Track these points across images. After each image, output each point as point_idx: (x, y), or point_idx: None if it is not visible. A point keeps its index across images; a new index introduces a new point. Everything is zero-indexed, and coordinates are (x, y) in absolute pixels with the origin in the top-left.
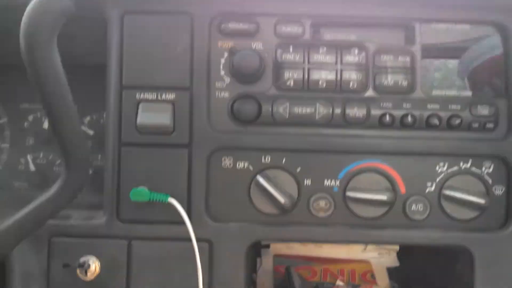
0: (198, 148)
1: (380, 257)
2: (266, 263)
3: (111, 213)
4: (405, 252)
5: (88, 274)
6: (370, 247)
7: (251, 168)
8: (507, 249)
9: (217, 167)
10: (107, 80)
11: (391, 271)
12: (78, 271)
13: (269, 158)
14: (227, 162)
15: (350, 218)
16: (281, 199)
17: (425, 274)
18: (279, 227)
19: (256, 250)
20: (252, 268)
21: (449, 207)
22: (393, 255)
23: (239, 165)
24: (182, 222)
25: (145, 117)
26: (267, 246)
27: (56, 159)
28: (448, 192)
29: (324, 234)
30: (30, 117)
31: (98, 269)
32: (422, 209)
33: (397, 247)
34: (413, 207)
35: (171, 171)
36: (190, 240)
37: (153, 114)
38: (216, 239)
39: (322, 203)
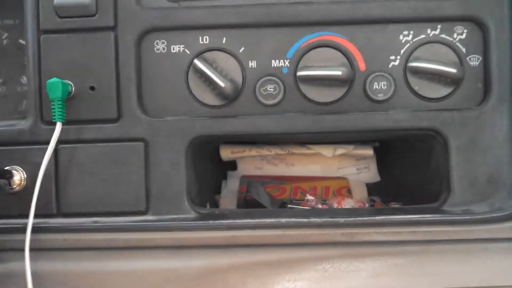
0: (125, 30)
1: (358, 173)
2: (232, 185)
3: (35, 116)
4: (382, 155)
5: (14, 185)
6: (345, 162)
7: (187, 51)
8: (484, 129)
9: (149, 53)
10: None
11: (372, 187)
12: (1, 182)
13: (207, 39)
14: (160, 46)
15: (303, 104)
16: (221, 83)
17: (403, 181)
18: (222, 119)
19: (222, 172)
20: (216, 190)
21: (417, 84)
22: (373, 170)
23: (174, 48)
24: (113, 120)
25: None
26: (234, 168)
27: None
28: (415, 64)
29: (273, 124)
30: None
31: (24, 179)
32: (385, 87)
33: (370, 152)
34: (375, 85)
35: (97, 60)
36: (122, 140)
37: None
38: (151, 137)
39: (270, 88)
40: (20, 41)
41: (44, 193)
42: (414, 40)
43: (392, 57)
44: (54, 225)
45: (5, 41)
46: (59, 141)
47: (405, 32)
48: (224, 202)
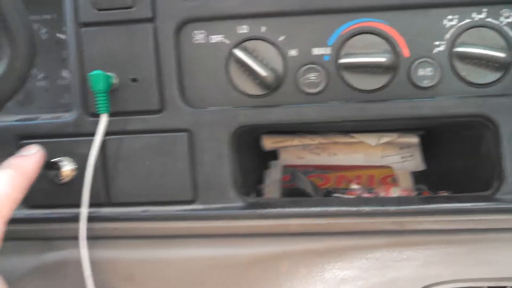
0: (163, 21)
1: (403, 161)
2: (274, 174)
3: (79, 108)
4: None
5: (62, 176)
6: (390, 150)
7: (227, 41)
8: None
9: (188, 43)
10: None
11: (417, 176)
12: (52, 174)
13: (247, 28)
14: (199, 36)
15: (346, 91)
16: (263, 72)
17: (451, 170)
18: (265, 109)
19: (264, 163)
20: (259, 180)
21: (463, 69)
22: (418, 159)
23: (213, 39)
24: (156, 111)
25: None
26: (276, 158)
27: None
28: (461, 49)
29: (316, 112)
30: None
31: (72, 171)
32: (431, 73)
33: (415, 140)
34: (420, 71)
35: (137, 52)
36: (166, 131)
37: None
38: (195, 127)
39: (312, 76)
40: (58, 35)
41: (94, 183)
42: (459, 24)
43: (437, 43)
44: (105, 214)
45: (44, 36)
46: (106, 133)
47: (449, 17)
48: (267, 192)
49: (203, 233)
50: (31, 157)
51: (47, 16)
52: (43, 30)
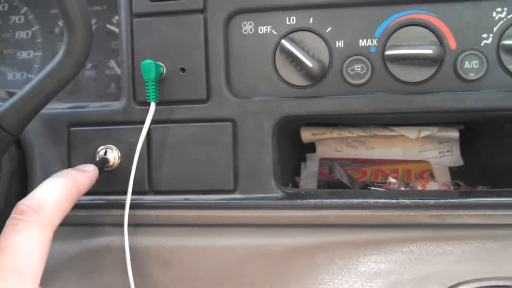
0: (213, 12)
1: (441, 156)
2: (312, 167)
3: (128, 96)
4: (465, 138)
5: (109, 163)
6: (427, 145)
7: (274, 32)
8: None
9: (237, 34)
10: None
11: (454, 171)
12: (98, 160)
13: (295, 19)
14: (247, 27)
15: (391, 83)
16: (309, 63)
17: (491, 165)
18: (309, 100)
19: (301, 155)
20: (296, 172)
21: (510, 62)
22: (456, 154)
23: (261, 30)
24: (203, 101)
25: None
26: (313, 151)
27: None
28: (508, 42)
29: (361, 104)
30: (60, 23)
31: (118, 158)
32: (477, 66)
33: (455, 134)
34: (466, 64)
35: (187, 42)
36: (211, 120)
37: None
38: (239, 117)
39: (357, 67)
40: (108, 26)
41: (138, 171)
42: (508, 17)
43: (485, 35)
44: (148, 201)
45: (93, 27)
46: (152, 121)
47: (499, 9)
48: (304, 184)
49: (242, 222)
50: (86, 173)
51: (97, 8)
52: (93, 21)
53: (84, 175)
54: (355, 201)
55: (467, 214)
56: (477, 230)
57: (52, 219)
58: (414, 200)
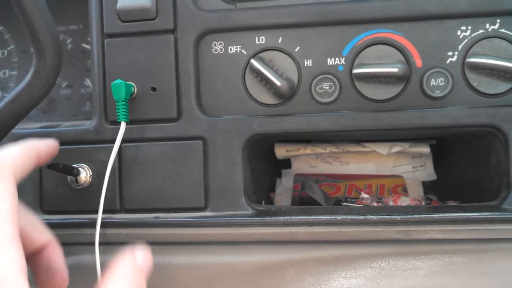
0: (184, 32)
1: (414, 171)
2: (286, 183)
3: (99, 116)
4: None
5: (80, 182)
6: (401, 160)
7: (244, 51)
8: None
9: (208, 53)
10: None
11: (428, 186)
12: (69, 179)
13: (264, 39)
14: (218, 47)
15: (359, 101)
16: (278, 82)
17: (461, 179)
18: (279, 118)
19: (276, 171)
20: (271, 188)
21: (475, 79)
22: (429, 169)
23: (231, 49)
24: (173, 119)
25: (125, 0)
26: (288, 167)
27: (62, 82)
28: (473, 60)
29: (329, 121)
30: None
31: (89, 177)
32: (443, 83)
33: (426, 150)
34: (432, 82)
35: (158, 62)
36: (181, 139)
37: None
38: (210, 135)
39: (326, 86)
40: (83, 45)
41: (109, 189)
42: (472, 35)
43: (450, 53)
44: (118, 220)
45: (69, 46)
46: (123, 140)
47: (463, 28)
48: (278, 200)
49: (213, 240)
50: (44, 141)
51: (73, 27)
52: (69, 40)
53: (41, 142)
54: (324, 217)
55: (433, 230)
56: (444, 245)
57: (10, 170)
58: (381, 216)
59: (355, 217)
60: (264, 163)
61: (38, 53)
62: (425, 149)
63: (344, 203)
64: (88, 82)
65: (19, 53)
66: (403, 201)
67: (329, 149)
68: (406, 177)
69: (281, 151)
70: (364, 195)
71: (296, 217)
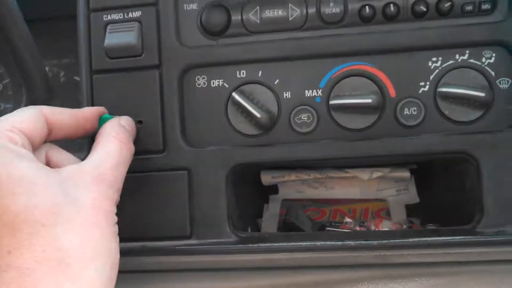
0: (168, 67)
1: (397, 194)
2: (274, 208)
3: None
4: (420, 180)
5: None
6: (385, 184)
7: (226, 85)
8: None
9: (191, 88)
10: (76, 7)
11: (412, 209)
12: None
13: (244, 73)
14: (201, 81)
15: (336, 131)
16: (257, 114)
17: (440, 203)
18: (259, 148)
19: (264, 196)
20: (259, 213)
21: (447, 108)
22: (412, 192)
23: (213, 83)
24: (159, 151)
25: (112, 38)
26: (276, 192)
27: None
28: (444, 89)
29: (308, 150)
30: None
31: None
32: (416, 112)
33: (406, 174)
34: (406, 111)
35: (144, 96)
36: (167, 170)
37: (120, 34)
38: (194, 166)
39: (304, 116)
40: (76, 78)
41: None
42: (443, 66)
43: (422, 83)
44: None
45: (62, 79)
46: None
47: (434, 59)
48: (265, 226)
49: (198, 267)
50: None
51: (66, 60)
52: (62, 73)
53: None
54: (304, 244)
55: (409, 254)
56: (421, 268)
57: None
58: (359, 242)
59: (334, 242)
60: (251, 189)
61: (27, 87)
62: (405, 174)
63: (328, 228)
64: None
65: (14, 87)
66: (385, 225)
67: (313, 175)
68: (390, 200)
69: (267, 178)
70: (348, 220)
71: (278, 244)
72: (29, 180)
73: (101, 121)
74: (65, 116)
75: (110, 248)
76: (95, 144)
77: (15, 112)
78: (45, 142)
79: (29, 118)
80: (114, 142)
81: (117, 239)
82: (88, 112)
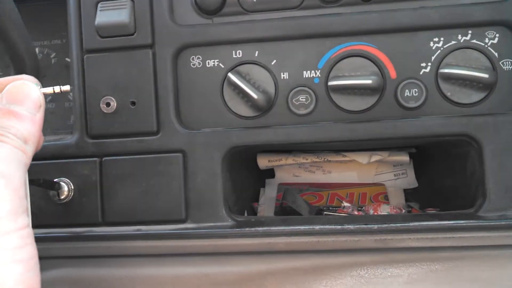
0: (162, 47)
1: (396, 179)
2: (270, 192)
3: (80, 130)
4: (419, 164)
5: (62, 196)
6: (383, 168)
7: (222, 65)
8: None
9: (186, 68)
10: None
11: (410, 193)
12: (51, 193)
13: (241, 53)
14: (195, 61)
15: (334, 112)
16: (254, 95)
17: (440, 187)
18: (256, 130)
19: (261, 180)
20: (255, 198)
21: (449, 89)
22: (411, 176)
23: (208, 63)
24: (153, 133)
25: (103, 16)
26: (272, 176)
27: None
28: (446, 70)
29: (306, 133)
30: None
31: (71, 190)
32: (417, 94)
33: (405, 158)
34: (406, 92)
35: (136, 76)
36: (161, 152)
37: (111, 12)
38: (189, 148)
39: (302, 98)
40: (67, 59)
41: (90, 203)
42: (444, 46)
43: (423, 64)
44: (100, 233)
45: (53, 60)
46: (104, 154)
47: (435, 39)
48: (262, 210)
49: (193, 252)
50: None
51: (57, 41)
52: (52, 55)
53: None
54: (302, 227)
55: (410, 238)
56: (422, 252)
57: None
58: (358, 226)
59: (333, 226)
60: (247, 173)
61: (15, 68)
62: (405, 158)
63: (326, 212)
64: (71, 96)
65: (2, 68)
66: (384, 210)
67: (310, 159)
68: (388, 185)
69: (263, 162)
70: (346, 204)
71: (275, 228)
72: None
73: None
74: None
75: None
76: None
77: None
78: None
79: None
80: None
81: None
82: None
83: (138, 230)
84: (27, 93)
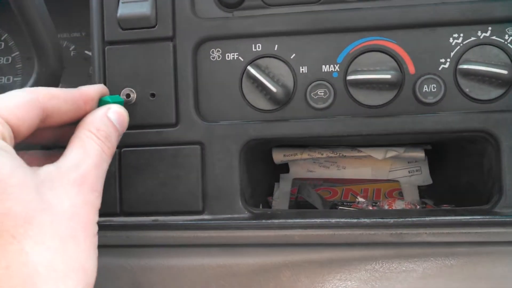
0: (183, 39)
1: (410, 176)
2: (284, 187)
3: None
4: (435, 157)
5: None
6: (397, 165)
7: (241, 58)
8: None
9: (205, 61)
10: None
11: (424, 190)
12: None
13: (260, 46)
14: (215, 54)
15: (352, 107)
16: (273, 88)
17: (455, 184)
18: (274, 123)
19: (275, 175)
20: (269, 192)
21: (467, 85)
22: (425, 173)
23: (228, 56)
24: (172, 125)
25: (125, 8)
26: (287, 171)
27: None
28: (465, 66)
29: (323, 127)
30: None
31: None
32: (435, 89)
33: (421, 155)
34: (425, 88)
35: (157, 68)
36: (180, 144)
37: (133, 5)
38: (207, 140)
39: (320, 92)
40: (86, 52)
41: (109, 193)
42: (464, 42)
43: (442, 60)
44: (118, 223)
45: (72, 53)
46: (123, 145)
47: (455, 35)
48: (276, 204)
49: (210, 242)
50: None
51: (76, 34)
52: (72, 47)
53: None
54: (318, 220)
55: (426, 232)
56: (437, 247)
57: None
58: (374, 219)
59: (349, 220)
60: (262, 167)
61: (39, 59)
62: (420, 154)
63: (340, 207)
64: None
65: (23, 60)
66: (398, 205)
67: (325, 154)
68: (402, 181)
69: (278, 156)
70: (360, 199)
71: (291, 220)
72: (4, 180)
73: (101, 103)
74: (63, 100)
75: (86, 267)
76: (72, 138)
77: (4, 95)
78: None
79: (19, 105)
80: (93, 140)
81: (96, 254)
82: (88, 95)
83: (155, 220)
84: (127, 122)
